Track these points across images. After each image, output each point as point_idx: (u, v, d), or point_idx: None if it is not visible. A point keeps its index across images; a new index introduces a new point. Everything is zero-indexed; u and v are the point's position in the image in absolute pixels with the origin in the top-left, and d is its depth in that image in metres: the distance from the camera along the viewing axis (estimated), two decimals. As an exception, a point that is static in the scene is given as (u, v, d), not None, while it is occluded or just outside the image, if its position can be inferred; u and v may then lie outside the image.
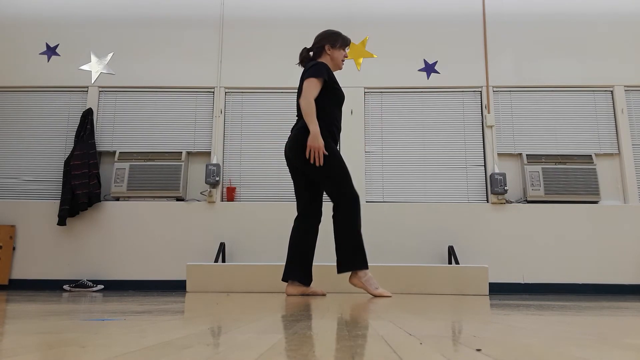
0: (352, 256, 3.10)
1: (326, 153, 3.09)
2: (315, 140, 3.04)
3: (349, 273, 3.27)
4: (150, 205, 5.38)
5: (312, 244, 3.29)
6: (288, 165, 3.37)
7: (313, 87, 3.13)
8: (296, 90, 5.67)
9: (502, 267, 5.14)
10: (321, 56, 3.37)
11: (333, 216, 3.18)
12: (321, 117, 3.15)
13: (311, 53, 3.41)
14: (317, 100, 3.17)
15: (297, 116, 3.33)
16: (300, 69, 3.50)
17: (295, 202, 3.40)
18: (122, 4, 6.00)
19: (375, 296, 3.12)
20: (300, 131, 3.18)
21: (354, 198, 3.15)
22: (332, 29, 3.52)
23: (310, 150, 3.06)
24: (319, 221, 3.36)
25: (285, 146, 3.29)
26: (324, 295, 3.32)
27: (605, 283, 5.08)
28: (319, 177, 3.17)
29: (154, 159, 5.48)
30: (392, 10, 5.92)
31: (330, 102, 3.24)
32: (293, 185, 3.40)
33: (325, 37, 3.37)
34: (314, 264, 3.45)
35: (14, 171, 5.60)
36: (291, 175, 3.39)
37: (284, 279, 3.24)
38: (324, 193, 3.33)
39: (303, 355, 0.72)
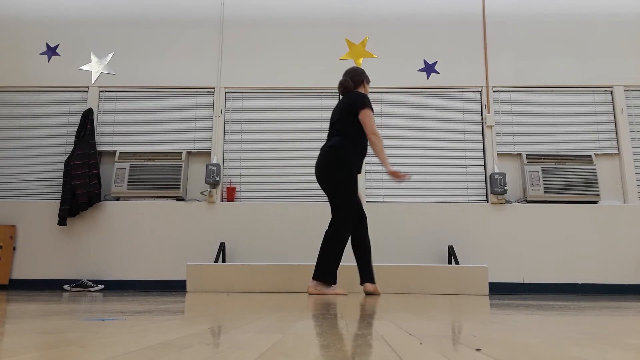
0: (329, 268, 3.46)
1: (392, 171, 3.57)
2: (395, 175, 3.57)
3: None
4: (150, 205, 5.38)
5: (358, 247, 3.68)
6: (320, 185, 3.69)
7: (372, 118, 3.63)
8: (296, 90, 5.72)
9: (502, 267, 5.14)
10: (359, 87, 3.80)
11: (327, 230, 3.54)
12: (355, 140, 3.60)
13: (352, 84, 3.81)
14: (355, 125, 3.60)
15: (329, 135, 3.72)
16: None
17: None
18: (122, 4, 5.99)
19: (331, 294, 3.38)
20: (330, 149, 3.57)
21: (349, 221, 3.53)
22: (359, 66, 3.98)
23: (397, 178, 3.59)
24: (363, 226, 3.70)
25: (315, 167, 3.65)
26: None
27: (605, 283, 5.08)
28: (331, 192, 3.56)
29: (154, 159, 5.48)
30: (392, 10, 5.92)
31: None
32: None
33: (363, 73, 3.85)
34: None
35: (14, 171, 5.60)
36: (326, 194, 3.69)
37: (362, 282, 3.62)
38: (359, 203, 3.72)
39: (303, 355, 0.73)
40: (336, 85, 5.19)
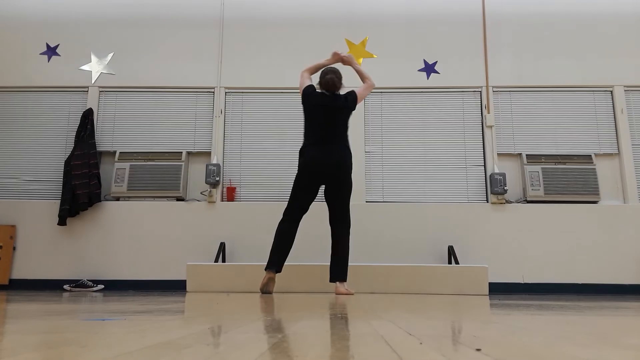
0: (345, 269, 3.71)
1: None
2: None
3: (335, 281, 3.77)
4: (150, 205, 5.38)
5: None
6: (320, 177, 3.75)
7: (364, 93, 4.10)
8: (296, 90, 5.71)
9: (502, 267, 5.14)
10: (342, 88, 4.03)
11: (339, 233, 3.74)
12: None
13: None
14: (347, 122, 3.90)
15: (331, 134, 3.81)
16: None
17: (290, 207, 3.86)
18: (122, 4, 5.99)
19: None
20: (348, 151, 3.80)
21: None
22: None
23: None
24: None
25: (328, 162, 3.71)
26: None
27: (605, 283, 5.08)
28: (346, 194, 3.77)
29: (154, 159, 5.48)
30: (392, 10, 5.92)
31: None
32: (303, 196, 3.80)
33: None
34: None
35: (14, 171, 5.60)
36: (312, 187, 3.78)
37: (273, 269, 3.71)
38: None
39: (303, 355, 0.73)
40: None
